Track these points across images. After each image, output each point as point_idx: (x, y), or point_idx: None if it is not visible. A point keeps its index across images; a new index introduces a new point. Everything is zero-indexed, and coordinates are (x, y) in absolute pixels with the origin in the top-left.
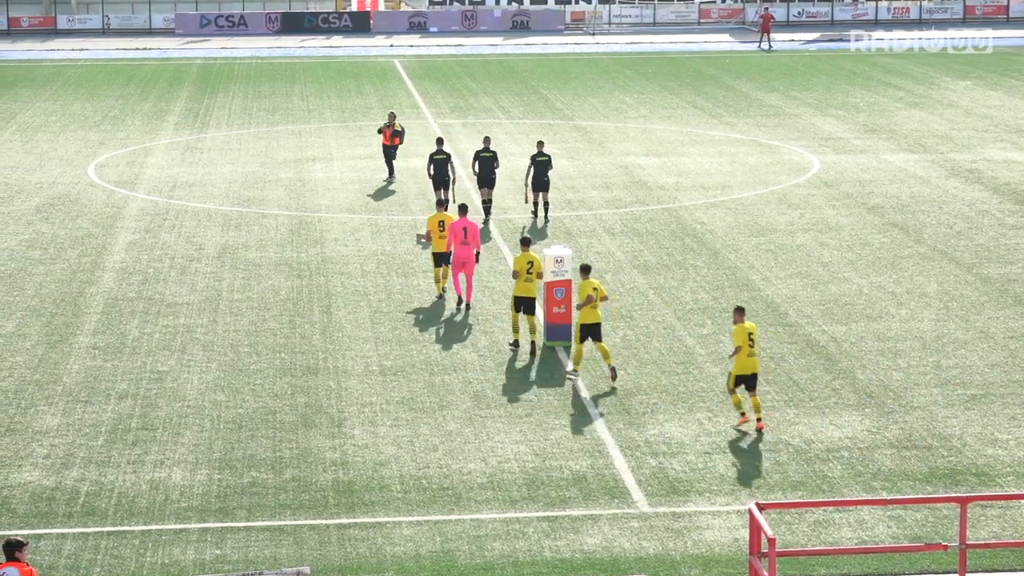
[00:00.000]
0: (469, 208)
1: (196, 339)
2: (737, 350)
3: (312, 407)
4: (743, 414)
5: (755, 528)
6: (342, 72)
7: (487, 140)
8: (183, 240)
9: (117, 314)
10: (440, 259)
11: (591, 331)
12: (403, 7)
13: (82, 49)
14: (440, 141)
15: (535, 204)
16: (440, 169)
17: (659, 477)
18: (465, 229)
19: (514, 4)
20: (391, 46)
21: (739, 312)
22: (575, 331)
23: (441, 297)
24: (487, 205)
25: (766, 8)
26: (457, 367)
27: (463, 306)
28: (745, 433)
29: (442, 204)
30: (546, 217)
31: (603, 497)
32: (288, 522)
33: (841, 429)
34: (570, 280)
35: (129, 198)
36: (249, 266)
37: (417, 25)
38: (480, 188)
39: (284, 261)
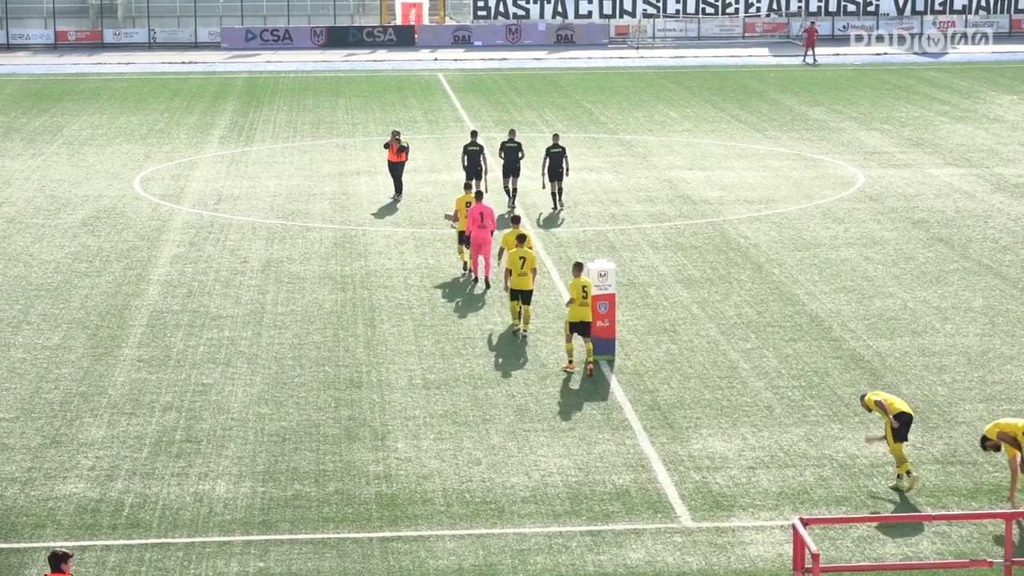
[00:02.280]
0: (485, 195)
1: (240, 352)
2: (571, 301)
3: (356, 420)
4: (571, 362)
5: (799, 544)
6: (386, 86)
7: (512, 132)
8: (228, 253)
9: (162, 327)
10: (464, 238)
11: (522, 296)
12: (448, 21)
13: (128, 63)
14: (474, 134)
15: (552, 194)
16: (473, 160)
17: (702, 492)
18: (482, 214)
19: (558, 18)
20: (435, 60)
21: (577, 267)
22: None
23: (465, 266)
24: (513, 193)
25: (811, 22)
26: (500, 381)
27: (481, 283)
28: (785, 447)
29: (470, 188)
30: (560, 204)
31: (646, 512)
32: (331, 535)
33: (885, 444)
34: (614, 294)
35: (174, 211)
36: (293, 279)
37: (461, 39)
38: (505, 176)
39: (328, 274)
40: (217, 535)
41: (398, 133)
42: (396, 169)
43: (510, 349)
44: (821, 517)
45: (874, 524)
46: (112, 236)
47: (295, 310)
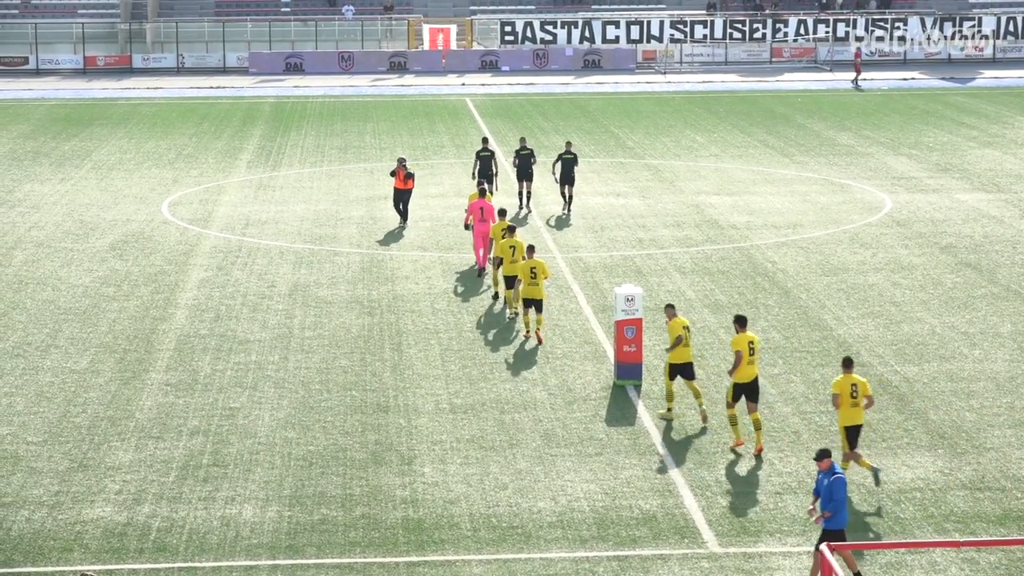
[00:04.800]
0: (495, 194)
1: (267, 376)
2: (519, 282)
3: (382, 445)
4: (528, 331)
5: (826, 569)
6: (414, 110)
7: (523, 140)
8: (255, 277)
9: (189, 351)
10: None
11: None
12: (475, 46)
13: (157, 88)
14: (485, 140)
15: (563, 196)
16: (485, 164)
17: (730, 517)
18: (482, 208)
19: (585, 43)
20: (463, 85)
21: (530, 249)
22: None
23: (483, 270)
24: (527, 197)
25: (858, 47)
26: (527, 405)
27: (483, 273)
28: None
29: (483, 193)
30: (569, 208)
31: (673, 537)
32: (358, 560)
33: (913, 470)
34: (640, 319)
35: (202, 235)
36: (320, 304)
37: (489, 64)
38: (519, 181)
39: (355, 299)
40: (244, 559)
41: (404, 160)
42: (403, 196)
43: (537, 374)
44: (848, 543)
45: (902, 550)
46: (140, 260)
47: (322, 334)
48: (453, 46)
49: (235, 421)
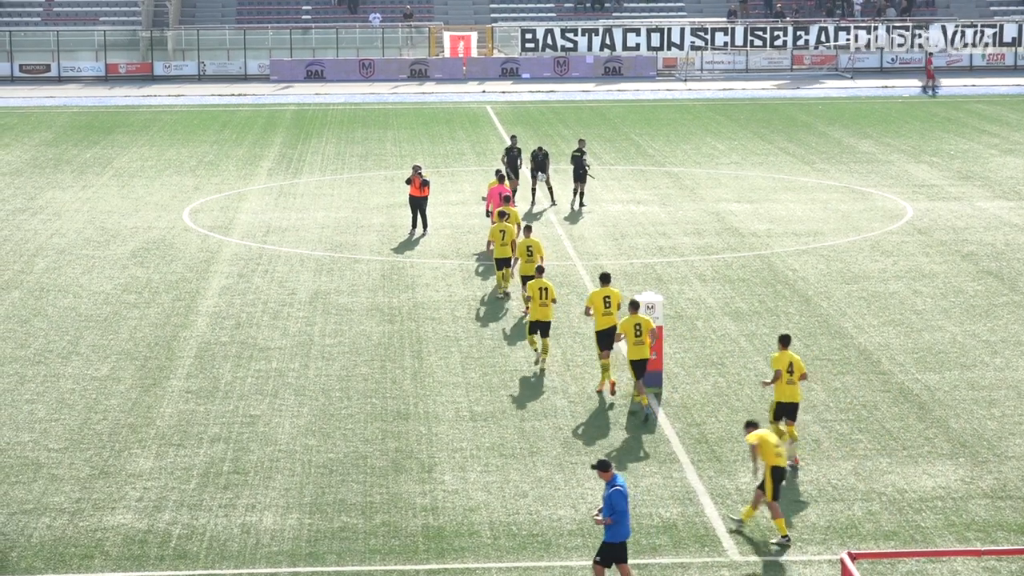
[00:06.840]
0: (506, 179)
1: (288, 383)
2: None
3: (403, 452)
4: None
5: None
6: (435, 118)
7: (543, 146)
8: (276, 285)
9: (210, 358)
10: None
11: (505, 263)
12: (496, 54)
13: (178, 95)
14: (514, 138)
15: (573, 192)
16: (512, 161)
17: (750, 525)
18: (500, 193)
19: (606, 51)
20: (483, 92)
21: (527, 229)
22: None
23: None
24: (533, 192)
25: (929, 54)
26: (548, 413)
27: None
28: (837, 481)
29: (501, 179)
30: (582, 203)
31: (693, 545)
32: (378, 567)
33: (934, 479)
34: (661, 327)
35: (223, 243)
36: (341, 311)
37: (509, 71)
38: (533, 177)
39: (376, 306)
40: (264, 567)
41: (419, 167)
42: (419, 203)
43: (557, 381)
44: (870, 551)
45: (923, 559)
46: (161, 268)
47: (343, 342)
48: (474, 53)
49: (255, 428)
